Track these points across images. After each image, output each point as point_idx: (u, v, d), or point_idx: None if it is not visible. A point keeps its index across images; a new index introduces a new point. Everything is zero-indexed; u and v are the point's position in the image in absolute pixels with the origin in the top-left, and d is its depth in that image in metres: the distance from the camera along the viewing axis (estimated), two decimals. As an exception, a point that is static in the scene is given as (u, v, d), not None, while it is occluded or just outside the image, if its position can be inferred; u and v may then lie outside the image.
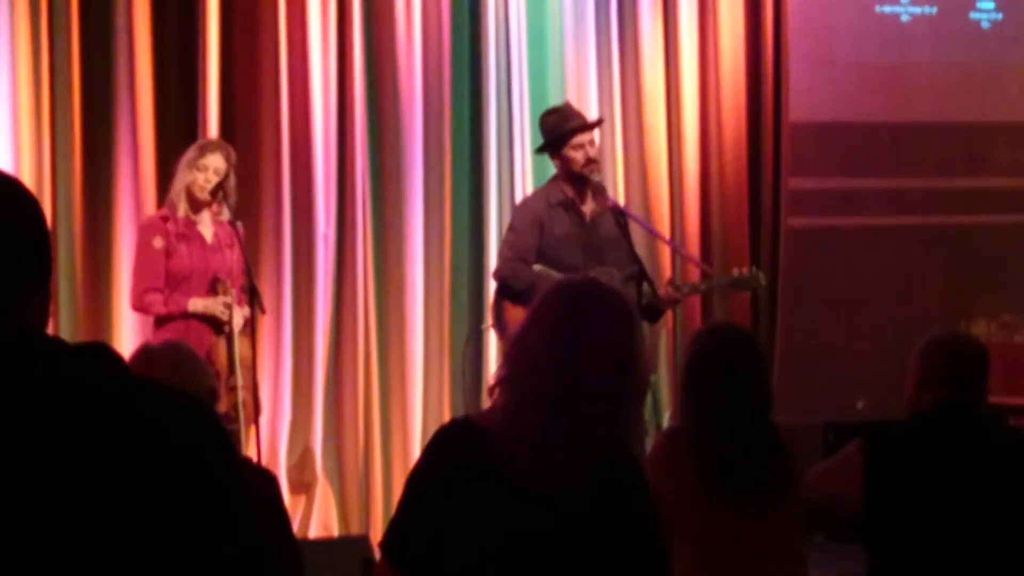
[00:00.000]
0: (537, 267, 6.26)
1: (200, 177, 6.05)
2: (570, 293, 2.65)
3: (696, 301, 7.83)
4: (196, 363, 3.57)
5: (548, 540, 2.56)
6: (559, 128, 6.28)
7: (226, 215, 6.10)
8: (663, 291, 6.18)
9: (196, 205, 6.11)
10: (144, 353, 3.57)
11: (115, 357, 1.68)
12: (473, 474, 2.56)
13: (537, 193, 6.61)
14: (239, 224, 6.23)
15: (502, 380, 2.65)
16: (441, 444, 2.66)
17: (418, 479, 2.66)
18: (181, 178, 6.10)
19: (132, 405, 1.65)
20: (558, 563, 2.57)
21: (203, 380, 3.50)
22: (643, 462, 2.74)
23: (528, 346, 2.61)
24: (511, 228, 6.53)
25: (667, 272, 7.59)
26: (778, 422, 3.75)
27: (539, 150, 6.54)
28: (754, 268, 6.60)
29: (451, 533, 2.56)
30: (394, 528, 2.67)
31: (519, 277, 6.23)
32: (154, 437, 1.64)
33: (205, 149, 6.12)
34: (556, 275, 6.07)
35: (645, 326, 6.19)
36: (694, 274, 7.40)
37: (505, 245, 6.50)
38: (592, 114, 7.15)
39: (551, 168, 6.52)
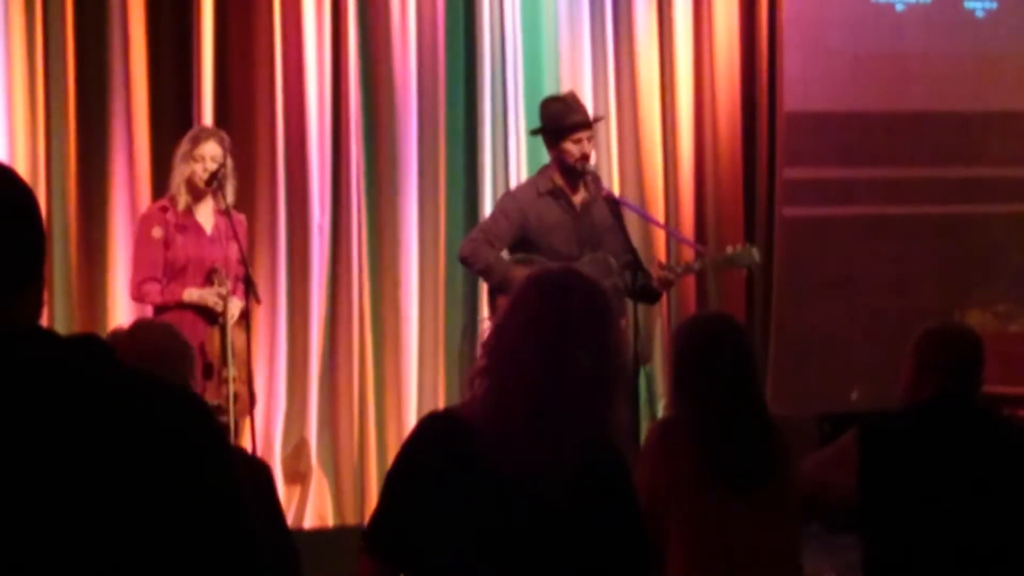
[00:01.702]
0: (515, 255, 6.24)
1: (198, 167, 6.04)
2: (550, 283, 2.64)
3: (691, 291, 7.83)
4: (161, 351, 3.49)
5: (531, 531, 2.56)
6: (561, 120, 6.27)
7: (223, 203, 6.08)
8: (656, 273, 6.17)
9: (197, 195, 6.11)
10: (111, 338, 3.53)
11: (106, 349, 1.68)
12: (456, 466, 2.56)
13: (526, 184, 6.61)
14: (241, 216, 6.23)
15: (482, 370, 2.64)
16: (422, 436, 2.65)
17: (399, 471, 2.65)
18: (179, 172, 6.09)
19: (123, 397, 1.65)
20: (541, 554, 2.56)
21: (167, 370, 3.40)
22: (626, 451, 2.72)
23: (509, 336, 2.60)
24: (492, 213, 6.57)
25: (662, 259, 7.57)
26: (774, 413, 3.75)
27: (535, 132, 6.52)
28: (748, 244, 6.59)
29: (434, 525, 2.55)
30: (376, 520, 2.66)
31: (478, 257, 6.24)
32: (145, 429, 1.64)
33: (199, 139, 6.11)
34: (508, 262, 6.12)
35: (641, 313, 6.18)
36: (689, 258, 7.39)
37: (477, 227, 6.55)
38: (587, 106, 7.13)
39: (546, 160, 6.51)
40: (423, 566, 2.59)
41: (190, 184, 6.08)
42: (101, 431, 1.61)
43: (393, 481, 2.65)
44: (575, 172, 6.28)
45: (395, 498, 2.63)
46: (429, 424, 2.68)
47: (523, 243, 6.29)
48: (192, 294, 5.99)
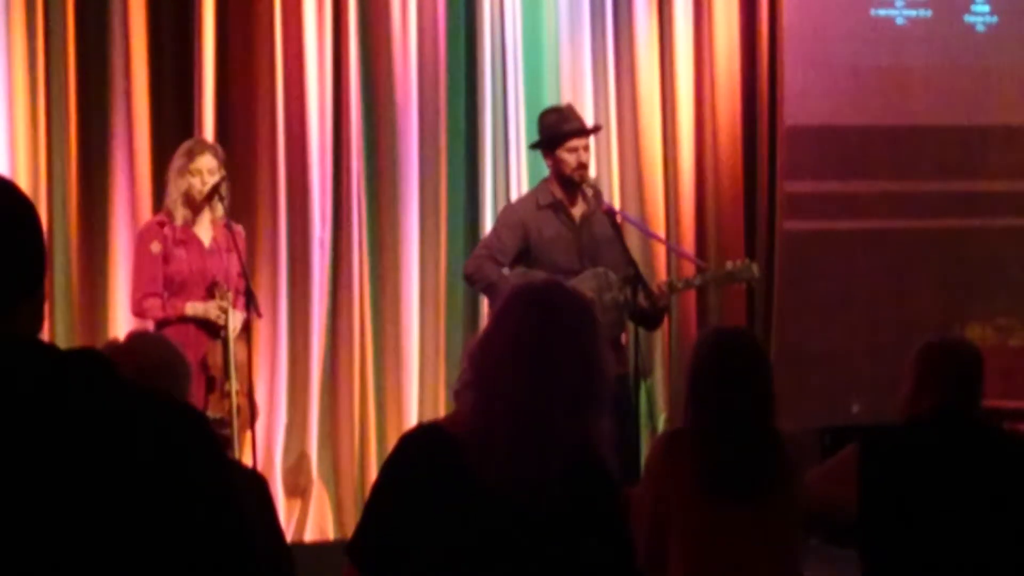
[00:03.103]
0: (514, 270, 6.24)
1: (196, 181, 6.04)
2: (535, 296, 2.64)
3: (692, 306, 7.83)
4: (157, 364, 3.49)
5: (518, 544, 2.55)
6: (556, 128, 6.29)
7: (220, 213, 6.09)
8: (656, 290, 6.15)
9: (195, 209, 6.10)
10: (106, 351, 3.52)
11: (105, 362, 1.68)
12: (441, 479, 2.55)
13: (526, 196, 6.62)
14: (239, 227, 6.22)
15: (468, 384, 2.63)
16: (407, 448, 2.64)
17: (384, 483, 2.64)
18: (176, 186, 6.07)
19: (120, 411, 1.65)
20: (526, 567, 2.56)
21: (164, 384, 3.40)
22: (613, 464, 2.72)
23: (494, 349, 2.59)
24: (493, 228, 6.58)
25: (663, 273, 7.59)
26: (778, 426, 3.75)
27: (533, 146, 6.54)
28: (747, 259, 6.59)
29: (419, 539, 2.54)
30: (360, 533, 2.65)
31: (481, 274, 6.25)
32: (142, 443, 1.64)
33: (194, 152, 6.09)
34: (509, 279, 6.12)
35: (640, 331, 6.17)
36: (689, 273, 7.39)
37: (480, 243, 6.56)
38: (588, 118, 7.15)
39: (547, 171, 6.52)
40: None
41: (187, 198, 6.07)
42: (98, 444, 1.61)
43: (378, 493, 2.65)
44: (573, 183, 6.28)
45: (379, 510, 2.63)
46: (414, 437, 2.68)
47: (524, 256, 6.30)
48: (195, 308, 5.98)
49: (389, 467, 2.65)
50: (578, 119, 6.41)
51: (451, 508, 2.54)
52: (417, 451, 2.62)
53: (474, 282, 6.38)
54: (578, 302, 2.65)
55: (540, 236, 6.26)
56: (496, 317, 2.65)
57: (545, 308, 2.59)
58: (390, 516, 2.59)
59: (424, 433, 2.68)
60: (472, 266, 6.34)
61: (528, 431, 2.52)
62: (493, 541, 2.54)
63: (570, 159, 6.25)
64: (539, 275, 5.98)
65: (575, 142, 6.26)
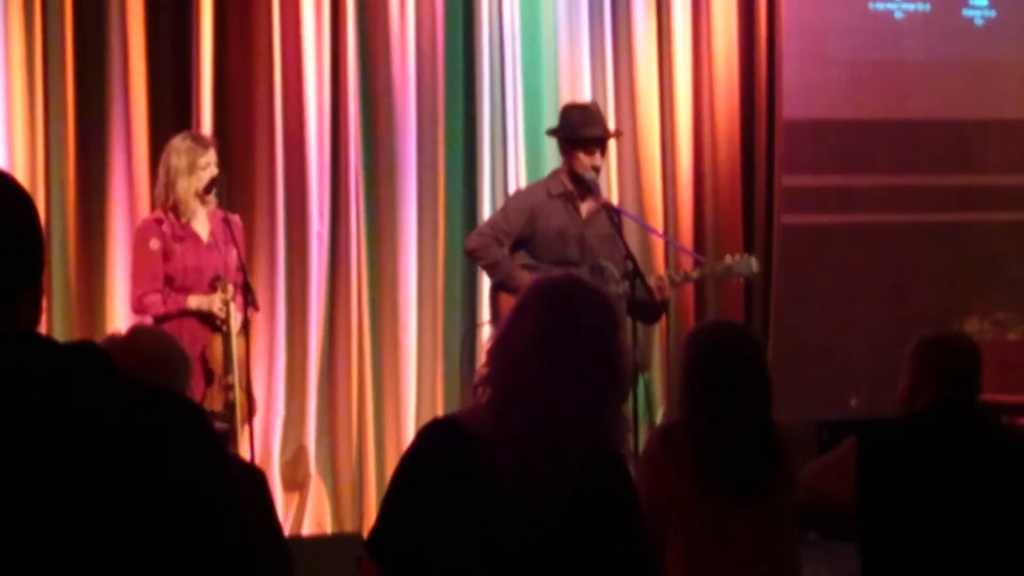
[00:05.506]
0: (517, 255, 6.27)
1: (205, 176, 6.00)
2: (554, 290, 2.63)
3: (690, 300, 7.83)
4: (158, 358, 3.49)
5: (534, 541, 2.55)
6: (579, 130, 6.33)
7: (213, 206, 6.07)
8: (655, 283, 6.18)
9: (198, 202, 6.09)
10: (107, 344, 3.52)
11: (103, 355, 1.68)
12: (458, 474, 2.55)
13: (537, 184, 6.65)
14: (236, 217, 6.19)
15: (486, 378, 2.63)
16: (425, 443, 2.64)
17: (403, 478, 2.64)
18: (188, 183, 5.94)
19: (118, 404, 1.65)
20: (544, 564, 2.56)
21: (164, 377, 3.39)
22: (630, 460, 2.72)
23: (512, 344, 2.59)
24: (501, 208, 6.62)
25: (661, 267, 7.59)
26: (776, 420, 3.75)
27: (551, 132, 6.55)
28: (746, 254, 6.61)
29: (437, 534, 2.54)
30: (379, 527, 2.65)
31: (487, 253, 6.30)
32: (140, 436, 1.64)
33: (198, 150, 6.02)
34: (514, 262, 6.16)
35: (639, 325, 6.19)
36: (688, 267, 7.38)
37: (487, 221, 6.60)
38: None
39: (545, 166, 6.53)
40: (426, 574, 2.59)
41: (197, 194, 6.02)
42: (96, 438, 1.61)
43: (396, 487, 2.65)
44: (582, 179, 6.34)
45: (398, 504, 2.62)
46: (432, 431, 2.67)
47: (523, 243, 6.32)
48: (199, 301, 5.96)
49: (407, 461, 2.65)
50: (602, 122, 6.47)
51: (466, 504, 2.54)
52: (434, 446, 2.61)
53: (477, 258, 6.42)
54: (598, 297, 2.63)
55: (547, 224, 6.32)
56: (515, 311, 2.63)
57: (564, 303, 2.58)
58: (407, 511, 2.59)
59: (442, 427, 2.67)
60: (476, 243, 6.38)
61: (544, 428, 2.51)
62: (509, 538, 2.54)
63: (586, 161, 6.34)
64: (545, 267, 6.02)
65: (595, 147, 6.32)
